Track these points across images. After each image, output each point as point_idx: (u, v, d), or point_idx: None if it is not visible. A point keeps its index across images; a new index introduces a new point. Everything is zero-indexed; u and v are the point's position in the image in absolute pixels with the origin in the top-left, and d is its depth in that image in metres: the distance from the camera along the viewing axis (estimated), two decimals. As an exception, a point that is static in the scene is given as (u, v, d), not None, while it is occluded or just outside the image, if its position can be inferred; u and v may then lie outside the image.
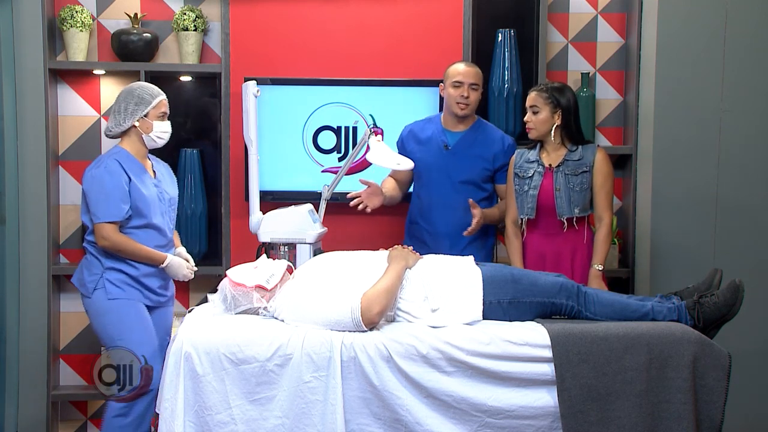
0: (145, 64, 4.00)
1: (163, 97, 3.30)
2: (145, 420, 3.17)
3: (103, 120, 4.12)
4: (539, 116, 3.39)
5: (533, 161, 3.43)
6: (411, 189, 3.78)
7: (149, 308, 3.28)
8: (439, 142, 3.65)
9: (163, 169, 3.42)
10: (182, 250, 3.46)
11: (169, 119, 3.33)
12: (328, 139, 4.07)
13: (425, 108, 3.95)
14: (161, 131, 3.28)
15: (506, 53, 4.09)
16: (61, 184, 4.11)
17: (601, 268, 3.37)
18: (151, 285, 3.27)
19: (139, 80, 3.99)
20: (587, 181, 3.38)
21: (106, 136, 3.31)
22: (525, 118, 3.44)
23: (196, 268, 3.43)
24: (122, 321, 3.17)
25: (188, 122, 4.21)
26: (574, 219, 3.38)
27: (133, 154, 3.26)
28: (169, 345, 2.77)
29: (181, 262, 3.32)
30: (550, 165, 3.41)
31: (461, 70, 3.58)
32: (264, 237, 3.40)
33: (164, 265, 3.25)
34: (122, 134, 3.27)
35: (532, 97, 3.42)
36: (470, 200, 3.50)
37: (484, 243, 3.68)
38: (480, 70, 3.63)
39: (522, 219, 3.43)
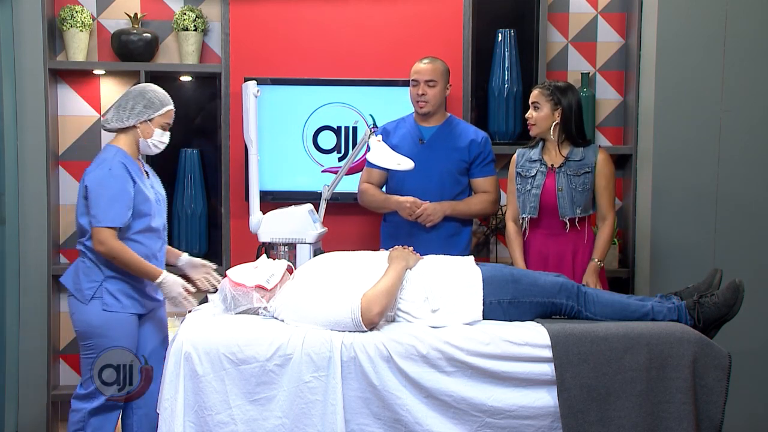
0: (145, 64, 4.00)
1: (172, 107, 3.20)
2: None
3: (103, 120, 4.12)
4: (540, 113, 3.40)
5: (536, 160, 3.43)
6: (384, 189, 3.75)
7: (143, 316, 3.20)
8: (414, 137, 3.64)
9: (151, 172, 3.32)
10: (192, 259, 3.28)
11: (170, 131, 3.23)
12: (328, 139, 4.07)
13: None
14: (159, 140, 3.18)
15: (506, 53, 4.10)
16: (61, 184, 4.11)
17: (600, 264, 3.37)
18: (150, 292, 3.19)
19: (139, 81, 4.01)
20: (589, 182, 3.38)
21: (102, 128, 3.20)
22: (527, 115, 3.44)
23: (194, 290, 3.15)
24: (111, 335, 3.07)
25: (188, 122, 4.21)
26: (576, 219, 3.39)
27: (129, 154, 3.15)
28: (169, 345, 2.77)
29: (176, 280, 3.10)
30: (552, 165, 3.41)
31: (416, 68, 3.58)
32: (264, 237, 3.40)
33: (159, 281, 3.08)
34: (119, 131, 3.17)
35: (534, 93, 3.42)
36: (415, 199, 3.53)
37: (458, 239, 3.66)
38: (442, 65, 3.60)
39: (525, 218, 3.43)
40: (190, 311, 3.05)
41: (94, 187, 3.05)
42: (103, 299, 3.08)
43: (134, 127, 3.15)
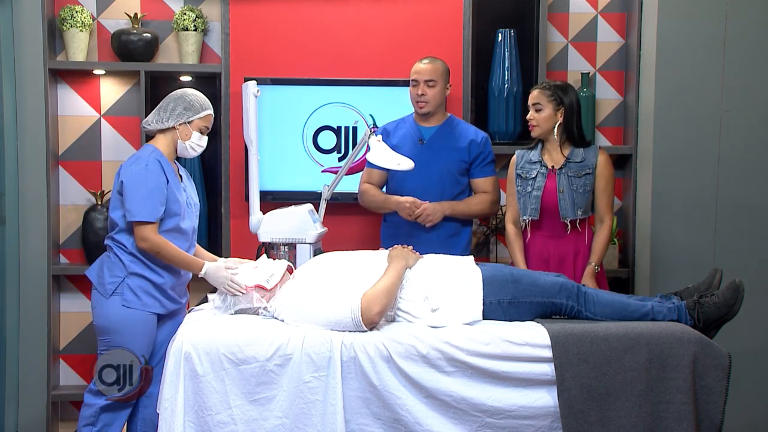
0: (145, 64, 4.00)
1: (211, 111, 3.24)
2: (112, 428, 3.12)
3: (103, 120, 4.13)
4: (542, 114, 3.38)
5: (535, 162, 3.43)
6: (384, 189, 3.75)
7: (162, 317, 3.19)
8: (414, 137, 3.64)
9: (186, 176, 3.33)
10: (227, 261, 3.21)
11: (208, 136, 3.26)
12: (328, 139, 4.07)
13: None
14: (197, 143, 3.21)
15: (506, 53, 4.10)
16: (61, 184, 4.11)
17: (597, 268, 3.37)
18: (172, 294, 3.18)
19: (139, 81, 4.02)
20: (590, 183, 3.38)
21: (142, 129, 3.21)
22: (528, 116, 3.43)
23: (236, 271, 3.08)
24: (128, 332, 3.07)
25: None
26: (577, 221, 3.38)
27: (166, 155, 3.17)
28: (169, 345, 2.77)
29: (218, 266, 3.07)
30: (552, 166, 3.40)
31: (416, 68, 3.58)
32: (264, 237, 3.40)
33: (202, 273, 3.09)
34: (158, 132, 3.19)
35: (534, 94, 3.41)
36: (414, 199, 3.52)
37: (458, 239, 3.65)
38: (441, 65, 3.59)
39: (526, 220, 3.43)
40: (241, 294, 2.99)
41: (129, 182, 3.07)
42: (124, 295, 3.08)
43: (173, 128, 3.18)
